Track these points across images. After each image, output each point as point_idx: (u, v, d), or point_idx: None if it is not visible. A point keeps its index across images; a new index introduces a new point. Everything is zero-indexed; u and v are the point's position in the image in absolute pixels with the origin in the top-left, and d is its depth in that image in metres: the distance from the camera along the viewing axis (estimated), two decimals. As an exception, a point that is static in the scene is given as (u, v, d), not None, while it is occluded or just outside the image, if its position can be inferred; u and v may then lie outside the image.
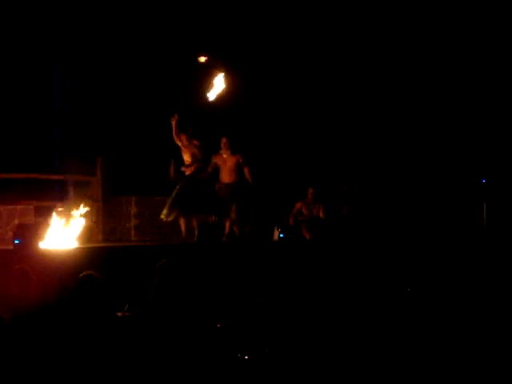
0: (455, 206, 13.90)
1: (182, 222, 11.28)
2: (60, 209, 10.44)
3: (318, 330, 5.64)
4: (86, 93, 12.70)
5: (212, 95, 11.29)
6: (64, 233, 10.20)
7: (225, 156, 11.58)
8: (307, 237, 12.19)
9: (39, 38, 12.63)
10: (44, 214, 11.04)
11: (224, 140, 11.60)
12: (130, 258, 9.33)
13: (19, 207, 11.35)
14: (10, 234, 9.92)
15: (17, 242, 9.07)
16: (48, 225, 10.16)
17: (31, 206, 11.38)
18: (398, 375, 4.99)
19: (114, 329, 4.40)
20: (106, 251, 9.77)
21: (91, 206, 11.32)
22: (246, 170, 11.55)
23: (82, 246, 10.01)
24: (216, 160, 11.58)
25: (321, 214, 12.55)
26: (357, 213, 13.15)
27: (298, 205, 12.63)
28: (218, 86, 11.31)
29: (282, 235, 11.80)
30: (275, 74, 14.04)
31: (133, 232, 12.34)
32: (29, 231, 9.24)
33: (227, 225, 11.49)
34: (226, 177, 11.57)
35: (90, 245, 10.31)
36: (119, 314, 5.18)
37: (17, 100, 12.60)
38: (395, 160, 14.43)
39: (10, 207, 11.29)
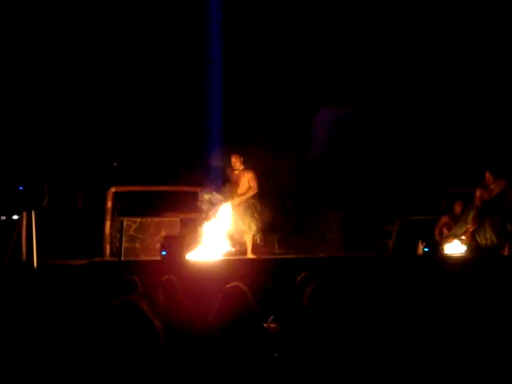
0: None
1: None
2: (208, 222, 10.59)
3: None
4: (230, 113, 12.90)
5: None
6: (210, 244, 10.37)
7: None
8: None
9: (190, 62, 13.01)
10: (189, 226, 11.30)
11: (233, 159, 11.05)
12: (275, 269, 9.34)
13: (166, 219, 11.68)
14: (158, 245, 10.19)
15: (164, 253, 9.30)
16: (194, 236, 10.37)
17: (177, 219, 11.69)
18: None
19: (261, 339, 4.40)
20: (252, 263, 9.84)
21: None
22: None
23: (227, 258, 10.13)
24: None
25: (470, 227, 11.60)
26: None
27: (444, 219, 12.08)
28: None
29: (426, 249, 11.42)
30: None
31: (276, 245, 12.39)
32: (175, 243, 9.46)
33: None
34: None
35: (235, 257, 10.42)
36: (265, 324, 5.18)
37: (167, 118, 13.03)
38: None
39: (157, 219, 11.64)
